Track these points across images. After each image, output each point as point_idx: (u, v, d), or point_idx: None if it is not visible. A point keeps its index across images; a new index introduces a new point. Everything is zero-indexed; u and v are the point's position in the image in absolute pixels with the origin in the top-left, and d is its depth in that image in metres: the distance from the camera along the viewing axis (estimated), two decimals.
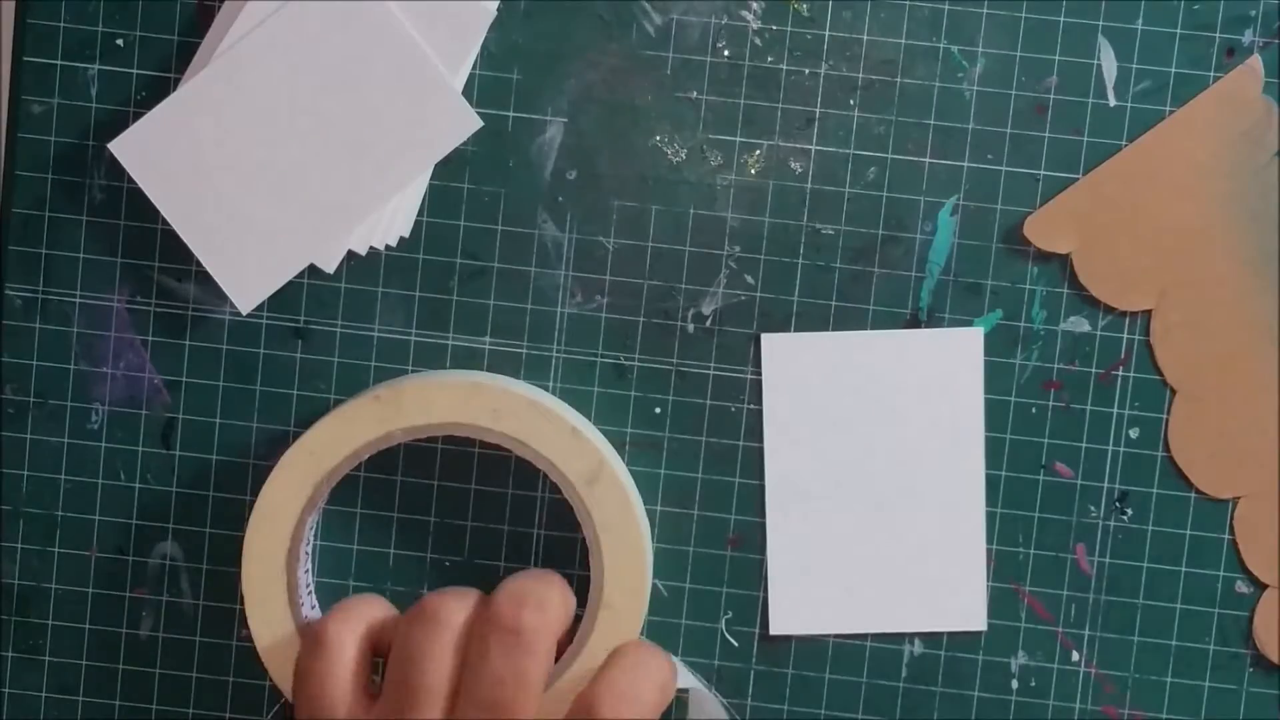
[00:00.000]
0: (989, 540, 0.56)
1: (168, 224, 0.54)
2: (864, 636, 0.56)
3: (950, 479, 0.55)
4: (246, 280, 0.54)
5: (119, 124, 0.54)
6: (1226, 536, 0.55)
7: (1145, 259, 0.55)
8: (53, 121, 0.55)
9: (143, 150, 0.53)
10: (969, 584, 0.56)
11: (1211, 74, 0.54)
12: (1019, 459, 0.55)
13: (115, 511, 0.56)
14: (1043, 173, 0.55)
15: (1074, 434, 0.55)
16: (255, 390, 0.56)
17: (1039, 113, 0.55)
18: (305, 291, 0.56)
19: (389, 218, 0.54)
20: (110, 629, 0.57)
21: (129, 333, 0.56)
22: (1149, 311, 0.55)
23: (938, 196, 0.55)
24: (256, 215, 0.54)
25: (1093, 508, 0.55)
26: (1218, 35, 0.54)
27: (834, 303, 0.55)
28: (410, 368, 0.56)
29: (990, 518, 0.56)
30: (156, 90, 0.55)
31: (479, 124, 0.54)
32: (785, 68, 0.55)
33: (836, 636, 0.56)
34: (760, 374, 0.55)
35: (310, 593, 0.55)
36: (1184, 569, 0.55)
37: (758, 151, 0.55)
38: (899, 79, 0.55)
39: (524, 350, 0.55)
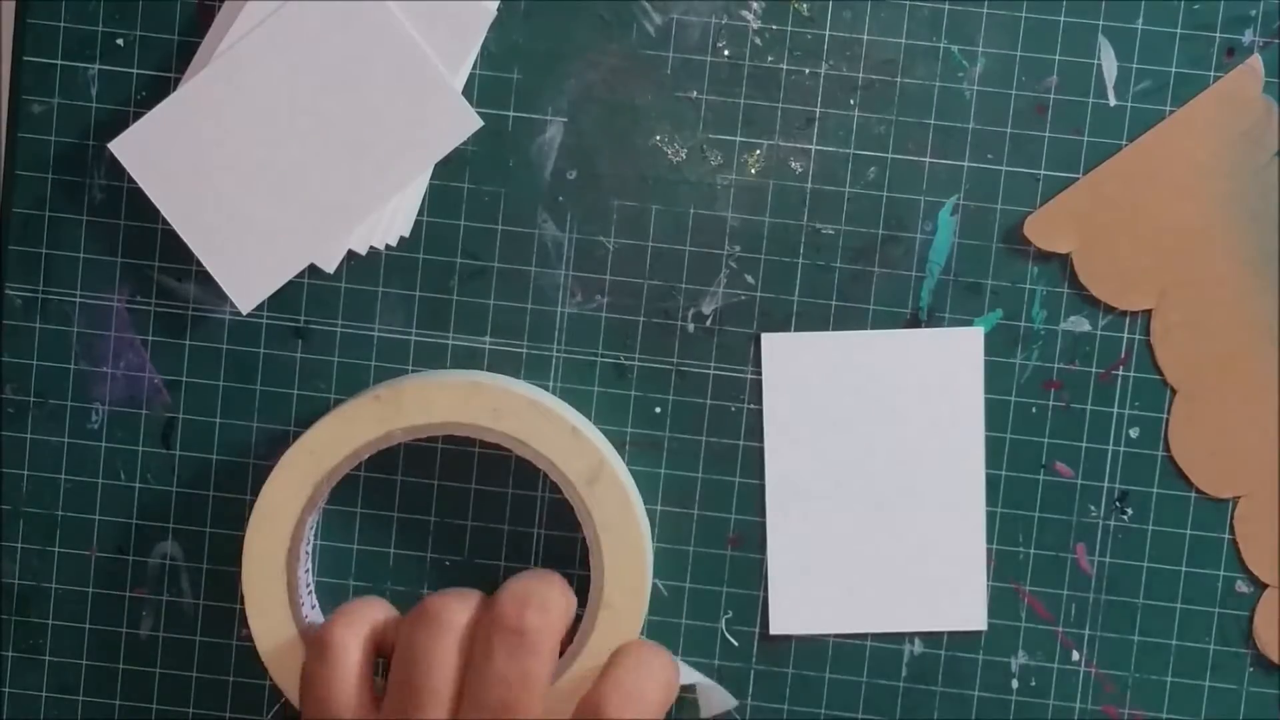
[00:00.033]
0: (989, 540, 0.56)
1: (168, 224, 0.54)
2: (864, 636, 0.56)
3: (950, 479, 0.55)
4: (246, 280, 0.54)
5: (119, 124, 0.54)
6: (1226, 536, 0.55)
7: (1145, 259, 0.55)
8: (53, 121, 0.55)
9: (143, 150, 0.53)
10: (969, 584, 0.56)
11: (1211, 74, 0.54)
12: (1019, 459, 0.55)
13: (115, 511, 0.56)
14: (1043, 172, 0.55)
15: (1074, 434, 0.55)
16: (255, 390, 0.56)
17: (1039, 112, 0.55)
18: (305, 291, 0.56)
19: (389, 218, 0.54)
20: (110, 629, 0.57)
21: (129, 333, 0.56)
22: (1149, 311, 0.55)
23: (938, 196, 0.55)
24: (256, 215, 0.54)
25: (1093, 507, 0.56)
26: (1218, 35, 0.54)
27: (834, 302, 0.55)
28: (410, 368, 0.56)
29: (990, 517, 0.56)
30: (156, 90, 0.55)
31: (479, 124, 0.54)
32: (785, 68, 0.55)
33: (836, 636, 0.56)
34: (760, 374, 0.55)
35: (310, 592, 0.55)
36: (1184, 569, 0.55)
37: (758, 151, 0.55)
38: (899, 79, 0.55)
39: (524, 350, 0.55)
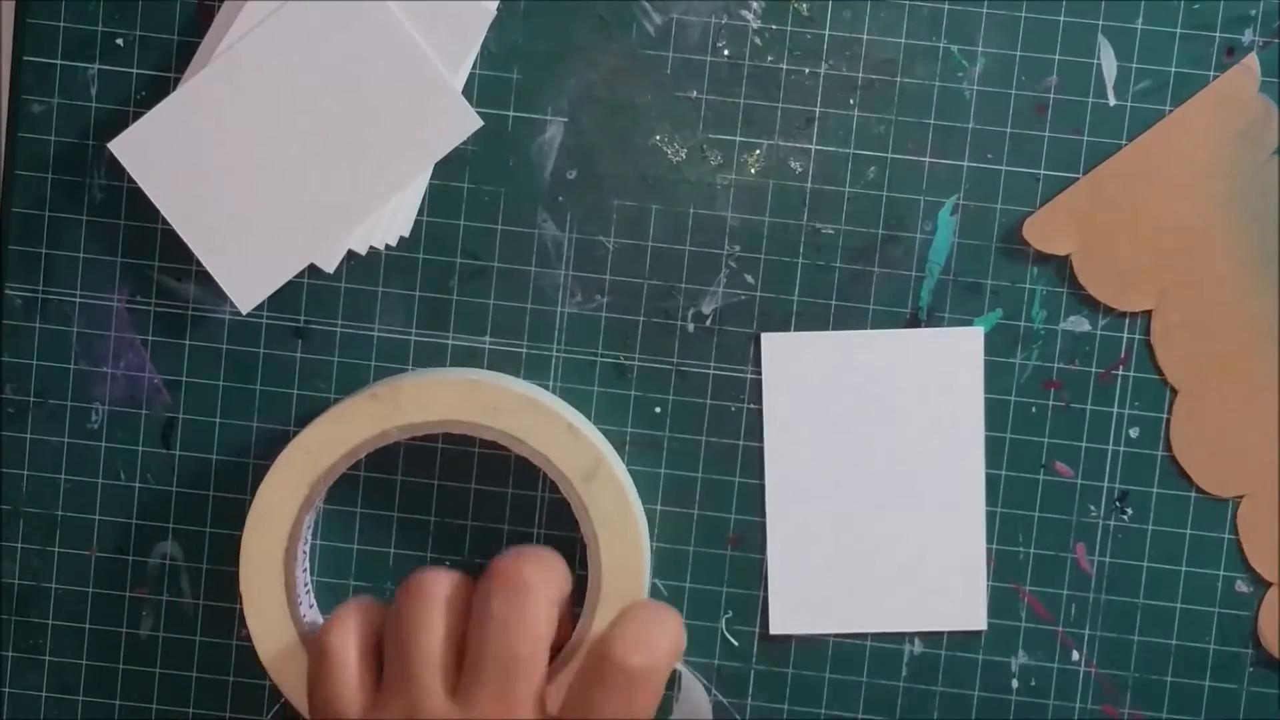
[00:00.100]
0: (989, 540, 0.56)
1: (168, 224, 0.54)
2: (864, 636, 0.56)
3: (950, 479, 0.55)
4: (246, 280, 0.54)
5: (119, 124, 0.54)
6: (1227, 536, 0.55)
7: (1145, 259, 0.55)
8: (53, 121, 0.55)
9: (143, 150, 0.53)
10: (969, 584, 0.56)
11: (1211, 73, 0.54)
12: (1019, 458, 0.55)
13: (115, 511, 0.56)
14: (1043, 172, 0.55)
15: (1074, 433, 0.55)
16: (255, 390, 0.56)
17: (1039, 112, 0.55)
18: (305, 291, 0.56)
19: (389, 217, 0.54)
20: (110, 629, 0.57)
21: (129, 332, 0.56)
22: (1149, 311, 0.55)
23: (938, 196, 0.55)
24: (256, 215, 0.54)
25: (1093, 507, 0.55)
26: (1217, 35, 0.54)
27: (834, 302, 0.55)
28: (410, 367, 0.56)
29: (990, 517, 0.56)
30: (156, 90, 0.55)
31: (479, 124, 0.54)
32: (785, 67, 0.55)
33: (836, 636, 0.56)
34: (760, 373, 0.55)
35: (309, 592, 0.55)
36: (1184, 568, 0.55)
37: (758, 151, 0.55)
38: (899, 79, 0.55)
39: (524, 350, 0.56)
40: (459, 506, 0.56)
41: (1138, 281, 0.55)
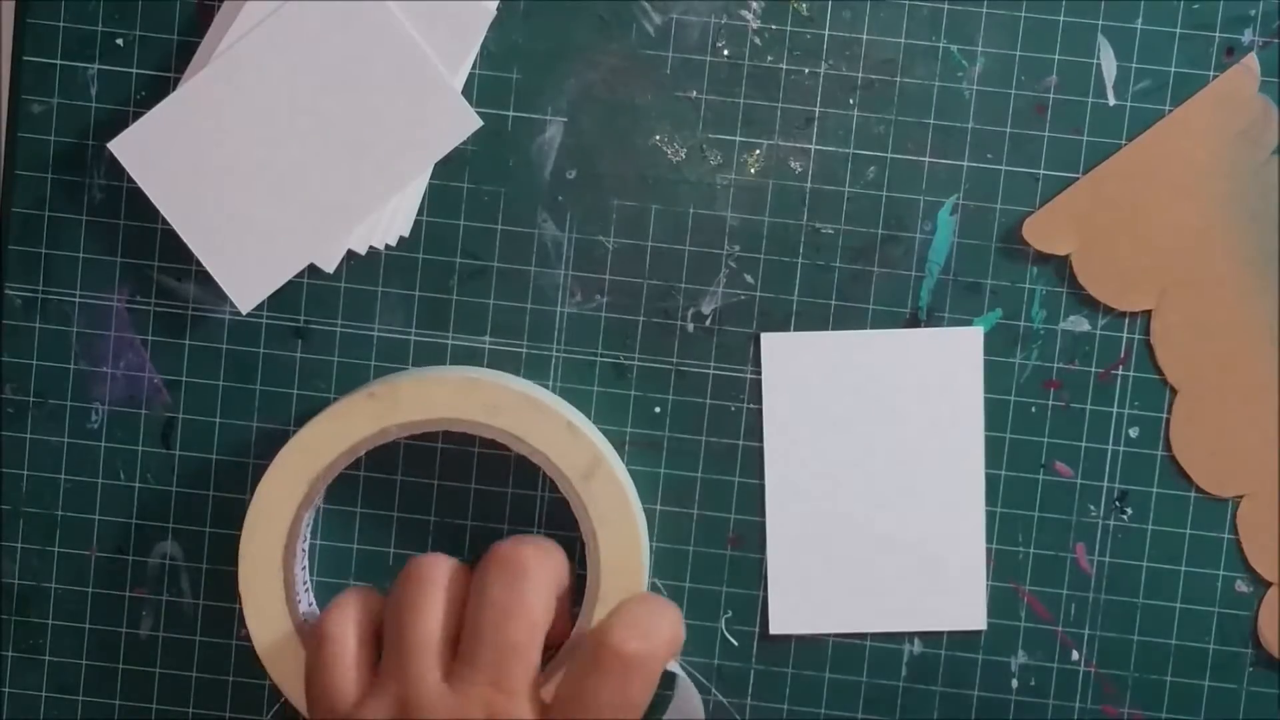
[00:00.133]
0: (989, 540, 0.56)
1: (168, 224, 0.54)
2: (864, 636, 0.56)
3: (950, 478, 0.55)
4: (246, 280, 0.54)
5: (119, 124, 0.54)
6: (1226, 536, 0.55)
7: (1145, 259, 0.55)
8: (53, 121, 0.55)
9: (142, 150, 0.53)
10: (969, 584, 0.56)
11: (1211, 73, 0.54)
12: (1019, 458, 0.55)
13: (115, 511, 0.56)
14: (1042, 172, 0.55)
15: (1074, 433, 0.55)
16: (255, 390, 0.56)
17: (1039, 112, 0.55)
18: (305, 291, 0.56)
19: (389, 217, 0.54)
20: (110, 629, 0.57)
21: (129, 332, 0.56)
22: (1149, 311, 0.55)
23: (937, 196, 0.55)
24: (256, 215, 0.54)
25: (1092, 507, 0.55)
26: (1217, 35, 0.54)
27: (834, 302, 0.55)
28: (410, 367, 0.56)
29: (990, 517, 0.56)
30: (156, 90, 0.55)
31: (479, 124, 0.54)
32: (785, 67, 0.55)
33: (836, 636, 0.56)
34: (760, 373, 0.55)
35: (308, 590, 0.55)
36: (1184, 568, 0.55)
37: (757, 151, 0.55)
38: (899, 78, 0.55)
39: (524, 350, 0.56)
40: (459, 506, 0.56)
41: (1138, 281, 0.55)
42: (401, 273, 0.55)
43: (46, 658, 0.57)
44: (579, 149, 0.55)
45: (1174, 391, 0.55)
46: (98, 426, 0.56)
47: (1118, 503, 0.55)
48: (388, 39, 0.53)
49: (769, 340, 0.55)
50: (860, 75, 0.55)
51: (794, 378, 0.55)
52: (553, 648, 0.53)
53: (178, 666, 0.57)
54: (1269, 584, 0.55)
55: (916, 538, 0.55)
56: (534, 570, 0.50)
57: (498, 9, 0.54)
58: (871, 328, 0.55)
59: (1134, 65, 0.54)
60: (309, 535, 0.55)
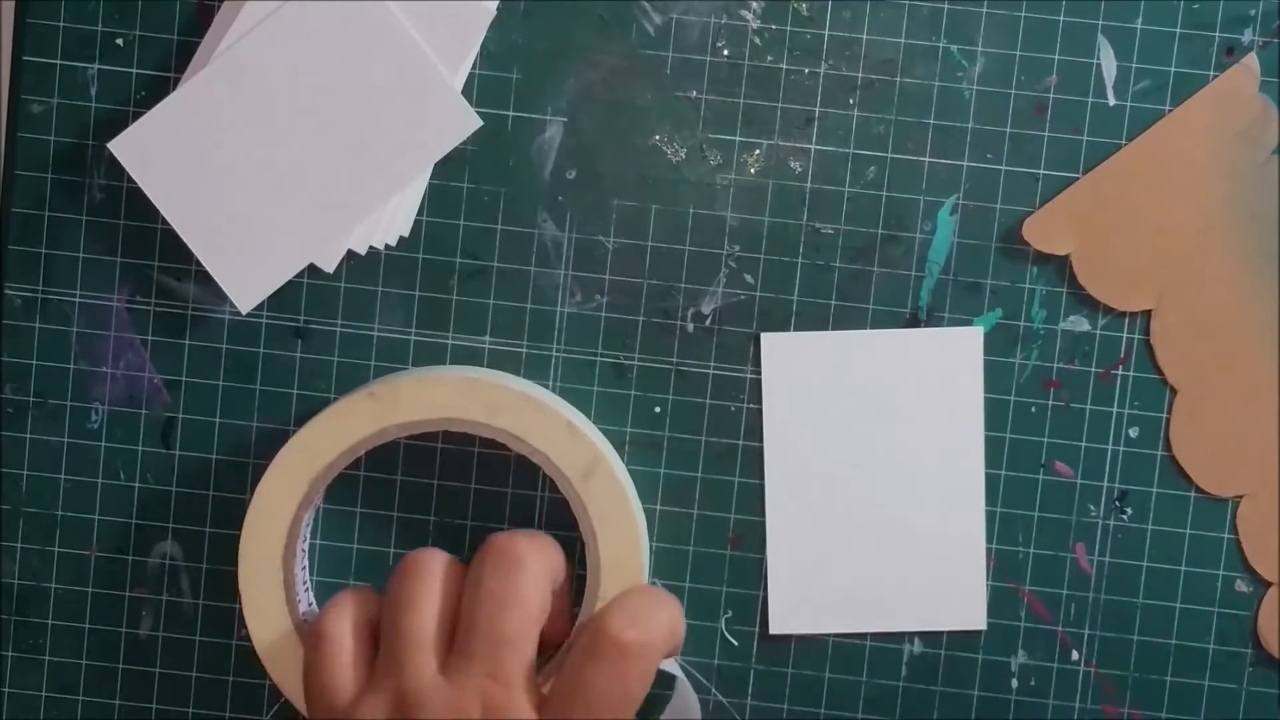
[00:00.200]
0: (989, 540, 0.56)
1: (167, 224, 0.54)
2: (864, 636, 0.56)
3: (950, 478, 0.55)
4: (246, 280, 0.54)
5: (119, 123, 0.54)
6: (1226, 536, 0.55)
7: (1145, 259, 0.55)
8: (52, 121, 0.55)
9: (142, 150, 0.53)
10: (969, 584, 0.56)
11: (1211, 73, 0.54)
12: (1019, 458, 0.55)
13: (115, 511, 0.56)
14: (1042, 172, 0.55)
15: (1074, 433, 0.55)
16: (255, 390, 0.56)
17: (1039, 112, 0.55)
18: (305, 291, 0.56)
19: (389, 217, 0.54)
20: (110, 628, 0.57)
21: (129, 332, 0.56)
22: (1149, 311, 0.55)
23: (937, 196, 0.55)
24: (256, 215, 0.54)
25: (1092, 507, 0.55)
26: (1217, 34, 0.54)
27: (834, 302, 0.55)
28: (410, 367, 0.56)
29: (990, 517, 0.56)
30: (156, 90, 0.55)
31: (479, 123, 0.54)
32: (785, 67, 0.55)
33: (836, 636, 0.56)
34: (760, 373, 0.55)
35: (308, 590, 0.55)
36: (1184, 568, 0.55)
37: (757, 151, 0.55)
38: (899, 78, 0.55)
39: (524, 350, 0.56)
40: (459, 506, 0.56)
41: (1137, 281, 0.55)
42: (401, 273, 0.55)
43: (46, 658, 0.57)
44: (579, 149, 0.55)
45: (1174, 391, 0.55)
46: (98, 426, 0.56)
47: (1118, 503, 0.55)
48: (388, 39, 0.53)
49: (769, 340, 0.55)
50: (860, 75, 0.55)
51: (794, 378, 0.55)
52: (552, 647, 0.53)
53: (178, 666, 0.57)
54: (1269, 584, 0.55)
55: (916, 538, 0.55)
56: (528, 561, 0.50)
57: (498, 9, 0.54)
58: (871, 328, 0.55)
59: (1134, 65, 0.54)
60: (309, 535, 0.55)
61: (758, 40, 0.55)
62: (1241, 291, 0.54)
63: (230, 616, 0.57)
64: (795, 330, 0.55)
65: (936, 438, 0.55)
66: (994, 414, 0.55)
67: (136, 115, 0.54)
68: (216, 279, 0.54)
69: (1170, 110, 0.54)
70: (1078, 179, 0.55)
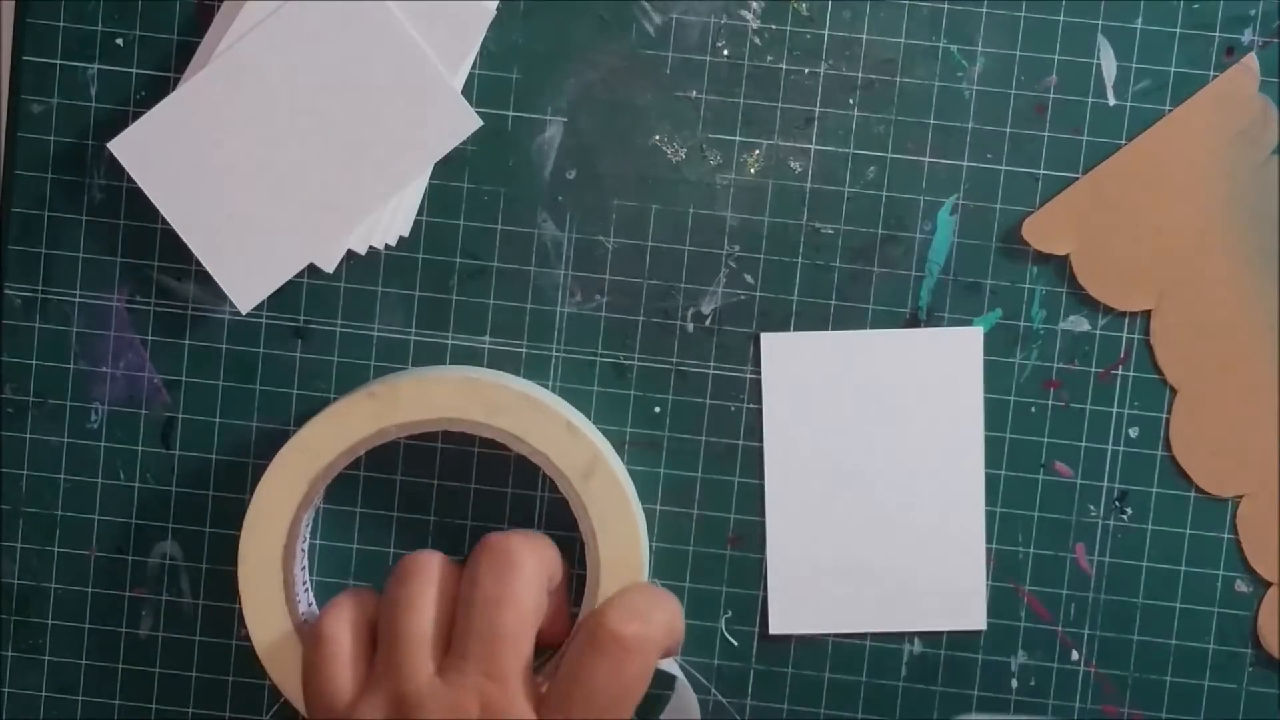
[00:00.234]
0: (989, 540, 0.56)
1: (167, 224, 0.54)
2: (864, 636, 0.56)
3: (950, 478, 0.55)
4: (246, 280, 0.54)
5: (119, 123, 0.54)
6: (1226, 536, 0.55)
7: (1145, 259, 0.55)
8: (52, 121, 0.55)
9: (142, 150, 0.53)
10: (969, 584, 0.56)
11: (1211, 73, 0.54)
12: (1019, 458, 0.55)
13: (115, 511, 0.56)
14: (1042, 172, 0.55)
15: (1074, 433, 0.55)
16: (255, 390, 0.56)
17: (1038, 112, 0.55)
18: (305, 291, 0.56)
19: (389, 217, 0.54)
20: (110, 629, 0.57)
21: (129, 332, 0.56)
22: (1149, 311, 0.55)
23: (937, 196, 0.55)
24: (256, 215, 0.54)
25: (1092, 507, 0.55)
26: (1217, 35, 0.54)
27: (834, 302, 0.55)
28: (410, 367, 0.56)
29: (990, 517, 0.56)
30: (156, 90, 0.55)
31: (479, 124, 0.54)
32: (785, 67, 0.55)
33: (836, 636, 0.56)
34: (760, 373, 0.55)
35: (307, 590, 0.55)
36: (1184, 568, 0.55)
37: (757, 151, 0.55)
38: (898, 78, 0.55)
39: (523, 350, 0.56)
40: (459, 506, 0.56)
41: (1137, 281, 0.55)
42: (401, 273, 0.55)
43: (46, 658, 0.57)
44: (579, 149, 0.55)
45: (1174, 391, 0.55)
46: (97, 426, 0.56)
47: (1117, 503, 0.55)
48: (388, 39, 0.53)
49: (769, 340, 0.55)
50: (860, 75, 0.55)
51: (794, 378, 0.55)
52: (551, 648, 0.53)
53: (177, 666, 0.57)
54: (1269, 584, 0.55)
55: (916, 538, 0.55)
56: (523, 560, 0.50)
57: (498, 9, 0.54)
58: (871, 328, 0.55)
59: (1134, 65, 0.54)
60: (309, 535, 0.55)
61: (758, 40, 0.55)
62: (1241, 291, 0.54)
63: (230, 617, 0.57)
64: (795, 330, 0.55)
65: (936, 438, 0.55)
66: (994, 414, 0.55)
67: (136, 115, 0.54)
68: (216, 279, 0.54)
69: (1170, 110, 0.54)
70: (1078, 179, 0.55)
